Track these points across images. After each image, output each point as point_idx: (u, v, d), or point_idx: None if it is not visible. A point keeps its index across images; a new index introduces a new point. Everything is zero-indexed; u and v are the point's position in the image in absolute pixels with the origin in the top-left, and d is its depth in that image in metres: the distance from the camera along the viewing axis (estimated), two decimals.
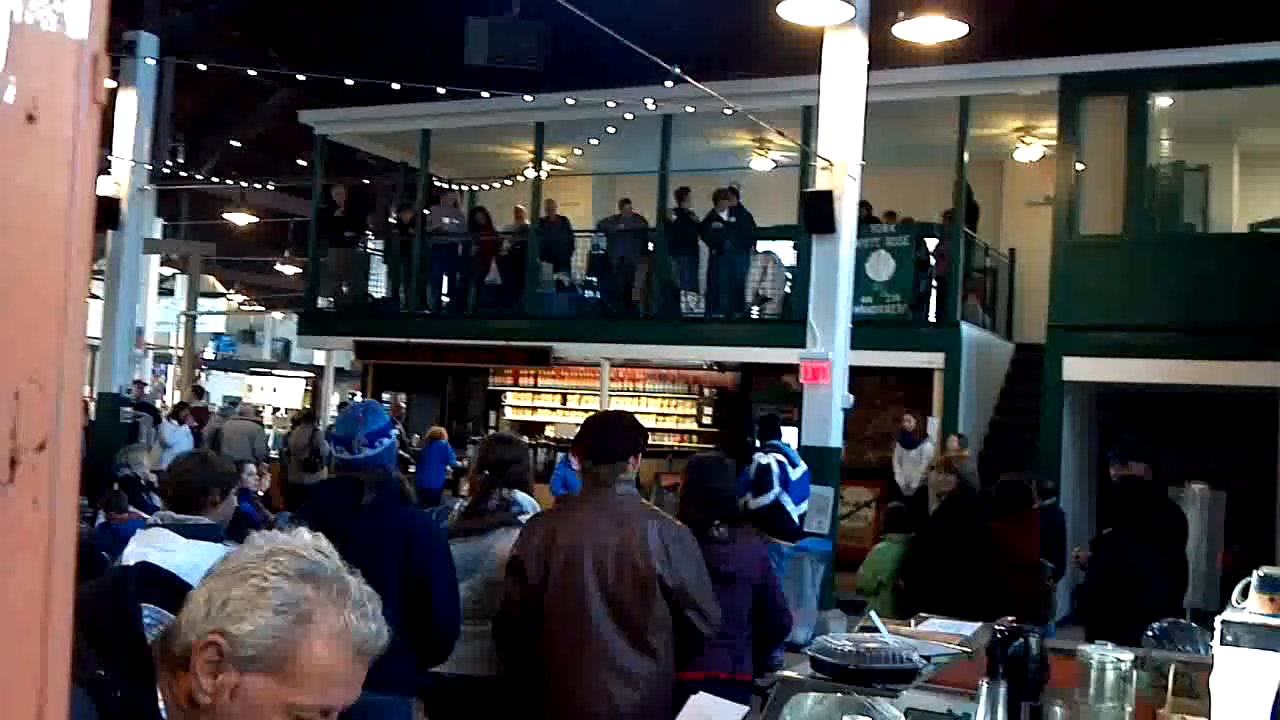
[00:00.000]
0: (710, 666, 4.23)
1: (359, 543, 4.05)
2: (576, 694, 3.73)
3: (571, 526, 3.84)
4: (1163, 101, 13.77)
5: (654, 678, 3.74)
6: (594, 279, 17.41)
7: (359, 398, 20.33)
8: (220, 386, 32.00)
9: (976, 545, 7.53)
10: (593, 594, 3.73)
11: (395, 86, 13.53)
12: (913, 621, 4.31)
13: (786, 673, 3.32)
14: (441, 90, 13.32)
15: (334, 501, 4.10)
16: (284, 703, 1.45)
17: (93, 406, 16.71)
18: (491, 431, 14.60)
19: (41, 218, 0.64)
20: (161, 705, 1.48)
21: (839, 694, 3.30)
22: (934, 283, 14.90)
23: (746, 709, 2.87)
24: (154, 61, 16.83)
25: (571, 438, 15.97)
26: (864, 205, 13.34)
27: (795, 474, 10.00)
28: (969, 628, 4.25)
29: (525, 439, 16.73)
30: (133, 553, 4.16)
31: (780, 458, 10.01)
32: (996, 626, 3.96)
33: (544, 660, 3.82)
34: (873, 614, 3.68)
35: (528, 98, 14.61)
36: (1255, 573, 3.91)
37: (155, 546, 4.09)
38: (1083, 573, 7.75)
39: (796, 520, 10.08)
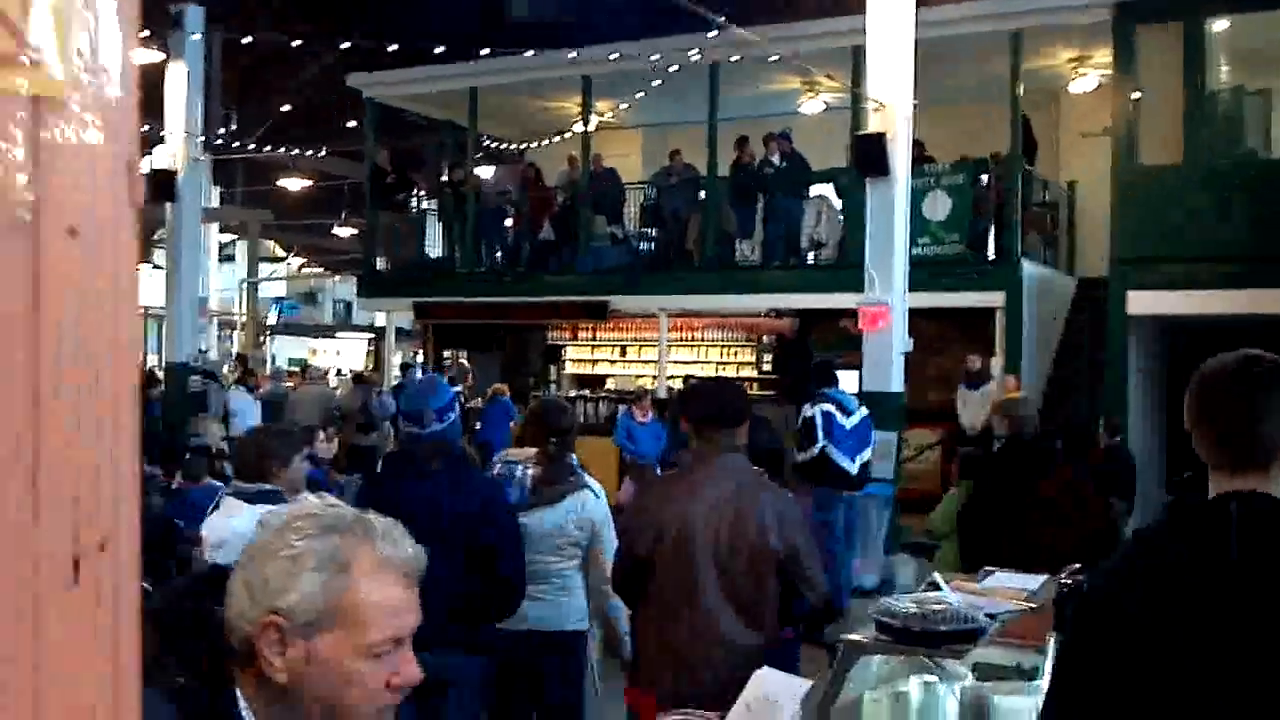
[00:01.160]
0: None
1: (430, 511, 4.24)
2: (681, 662, 3.76)
3: (683, 494, 3.82)
4: (1219, 25, 13.42)
5: (758, 650, 3.72)
6: (648, 231, 17.36)
7: (420, 358, 20.56)
8: (284, 350, 32.48)
9: (1038, 488, 7.46)
10: (705, 565, 3.72)
11: (438, 50, 13.51)
12: (979, 576, 4.32)
13: (851, 636, 3.33)
14: (485, 52, 13.27)
15: (405, 472, 4.37)
16: (360, 648, 1.49)
17: (161, 375, 17.04)
18: (543, 394, 14.65)
19: (88, 324, 0.66)
20: (242, 704, 1.52)
21: (904, 656, 3.32)
22: (992, 220, 14.68)
23: (809, 683, 2.88)
24: (199, 36, 16.93)
25: (631, 390, 16.17)
26: (917, 144, 13.16)
27: (848, 423, 9.88)
28: (1035, 581, 4.24)
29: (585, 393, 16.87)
30: (208, 523, 4.33)
31: (828, 407, 9.87)
32: (1061, 579, 3.96)
33: (649, 626, 3.86)
34: (936, 575, 3.69)
35: (572, 54, 14.54)
36: None
37: (223, 515, 4.28)
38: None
39: (851, 469, 9.95)
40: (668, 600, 3.79)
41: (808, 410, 9.98)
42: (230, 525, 4.10)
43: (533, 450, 4.72)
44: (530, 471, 4.68)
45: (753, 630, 3.76)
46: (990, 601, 3.72)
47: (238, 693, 1.51)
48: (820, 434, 9.77)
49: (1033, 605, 3.79)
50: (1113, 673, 1.93)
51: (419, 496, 4.25)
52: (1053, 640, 3.59)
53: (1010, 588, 4.06)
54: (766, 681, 2.79)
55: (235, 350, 21.79)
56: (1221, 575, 1.85)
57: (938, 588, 3.59)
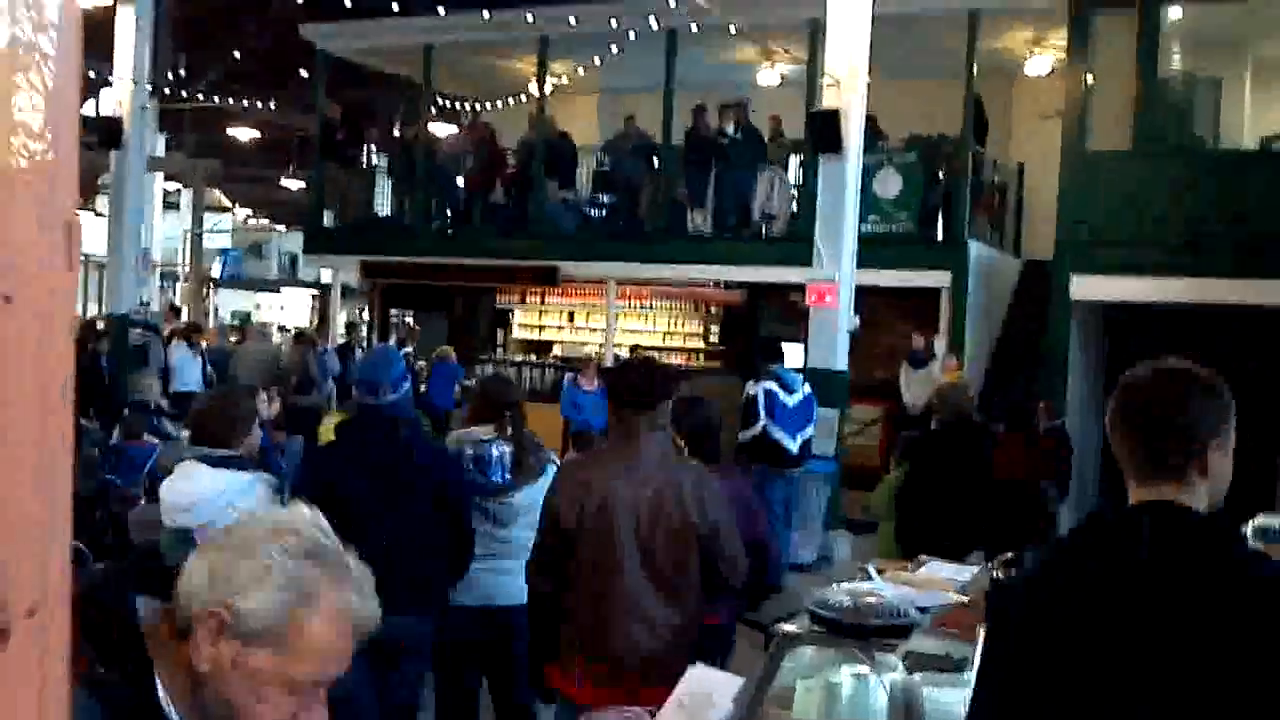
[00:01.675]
0: None
1: (393, 474, 4.37)
2: (603, 641, 3.77)
3: (605, 475, 3.83)
4: (1174, 13, 13.53)
5: (681, 628, 3.77)
6: (600, 197, 17.29)
7: (366, 316, 20.40)
8: (228, 303, 32.08)
9: (968, 472, 7.56)
10: (626, 544, 3.74)
11: (395, 5, 13.34)
12: (912, 565, 4.38)
13: (786, 627, 3.37)
14: (441, 10, 13.12)
15: (370, 438, 4.49)
16: (283, 675, 1.52)
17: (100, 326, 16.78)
18: (489, 372, 14.61)
19: (21, 393, 0.65)
20: (161, 692, 1.52)
21: (837, 647, 3.36)
22: (942, 200, 14.76)
23: (742, 679, 2.92)
24: None
25: (578, 357, 16.16)
26: (871, 120, 13.18)
27: (791, 400, 9.97)
28: (968, 571, 4.32)
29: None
30: (170, 485, 4.31)
31: (771, 386, 9.94)
32: (993, 570, 4.03)
33: (572, 606, 3.85)
34: (870, 565, 3.75)
35: (530, 14, 14.40)
36: (1250, 523, 3.93)
37: (184, 477, 4.26)
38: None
39: (792, 447, 10.03)
40: (589, 580, 3.81)
41: (750, 388, 10.05)
42: (197, 489, 4.14)
43: (490, 427, 4.74)
44: (506, 449, 4.72)
45: (675, 609, 3.78)
46: (922, 594, 3.78)
47: (157, 681, 1.51)
48: (762, 412, 9.84)
49: (964, 598, 3.85)
50: (1028, 684, 1.98)
51: (390, 459, 4.42)
52: (982, 632, 3.65)
53: (942, 577, 4.13)
54: (700, 678, 2.82)
55: (171, 301, 21.42)
56: (1131, 584, 1.90)
57: (870, 578, 3.65)
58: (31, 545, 0.66)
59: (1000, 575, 3.86)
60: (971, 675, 3.50)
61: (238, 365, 14.82)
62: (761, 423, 9.84)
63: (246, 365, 14.67)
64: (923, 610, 3.54)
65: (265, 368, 14.55)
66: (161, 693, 1.51)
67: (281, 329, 23.37)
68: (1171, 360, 2.06)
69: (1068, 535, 2.17)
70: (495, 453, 4.71)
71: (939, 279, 14.22)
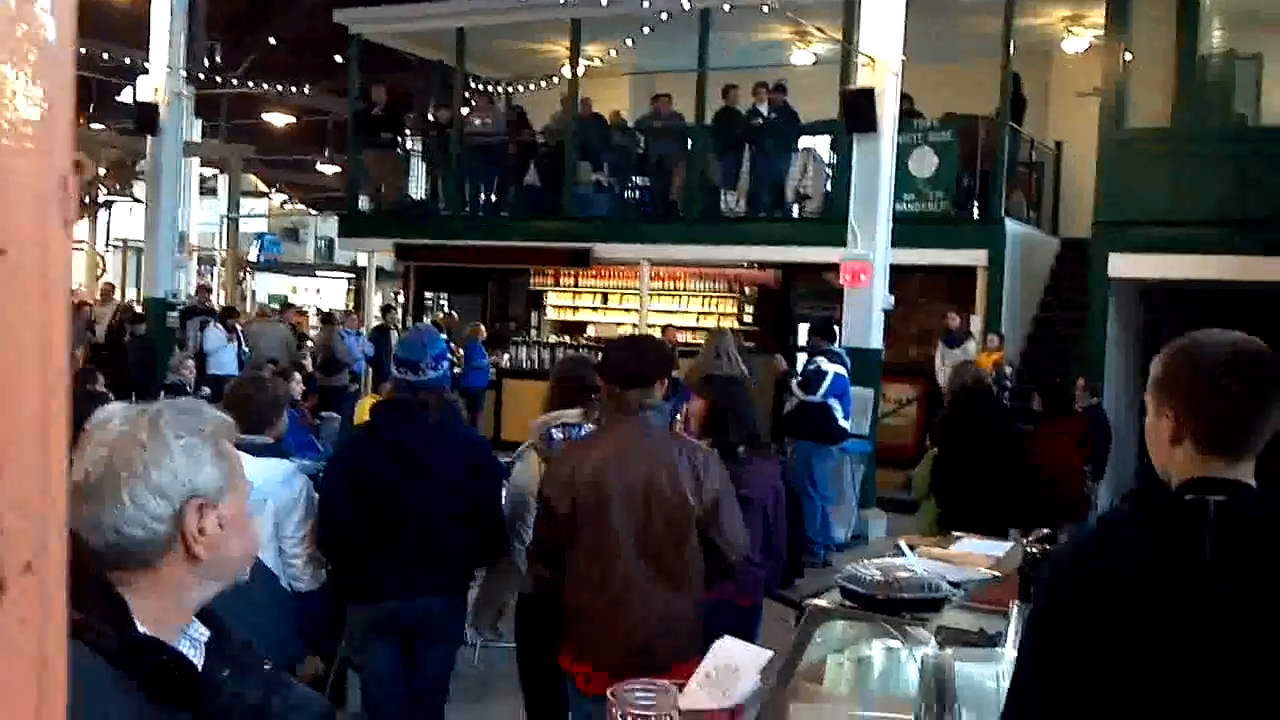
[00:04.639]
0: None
1: (428, 456, 4.36)
2: (605, 627, 3.72)
3: (598, 456, 3.76)
4: None
5: (682, 611, 3.70)
6: (633, 179, 17.26)
7: (400, 299, 20.49)
8: (265, 287, 32.29)
9: (997, 445, 7.53)
10: (622, 526, 3.68)
11: None
12: (946, 541, 4.36)
13: (817, 601, 3.36)
14: None
15: (405, 419, 4.45)
16: (241, 498, 1.72)
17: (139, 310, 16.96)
18: (570, 353, 14.52)
19: (17, 347, 0.65)
20: (140, 625, 1.56)
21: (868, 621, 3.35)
22: (978, 178, 14.64)
23: (770, 652, 2.90)
24: None
25: (613, 337, 16.17)
26: (906, 99, 13.09)
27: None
28: (1001, 547, 4.29)
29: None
30: None
31: (842, 370, 10.24)
32: (1027, 546, 4.00)
33: (573, 593, 3.80)
34: (901, 541, 3.73)
35: None
36: None
37: None
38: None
39: (846, 424, 10.35)
40: (587, 565, 3.74)
41: (824, 364, 10.23)
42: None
43: (576, 411, 4.64)
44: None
45: (674, 591, 3.71)
46: (955, 569, 3.76)
47: (135, 620, 1.56)
48: (825, 387, 10.04)
49: (998, 574, 3.83)
50: (1075, 679, 1.92)
51: (422, 442, 4.38)
52: (1016, 607, 3.63)
53: (977, 553, 4.10)
54: (727, 650, 2.81)
55: (196, 284, 21.59)
56: (1194, 573, 1.84)
57: (902, 553, 3.63)
58: (28, 501, 0.66)
59: (1035, 552, 3.84)
60: (1006, 650, 3.49)
61: (253, 343, 15.01)
62: (821, 394, 10.11)
63: (255, 347, 14.85)
64: (956, 585, 3.52)
65: (276, 349, 14.69)
66: (140, 625, 1.56)
67: (318, 311, 23.44)
68: (1237, 335, 1.99)
69: (1123, 512, 2.08)
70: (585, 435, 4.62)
71: (975, 258, 14.12)
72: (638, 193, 17.15)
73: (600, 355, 4.35)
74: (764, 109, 15.71)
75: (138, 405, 1.71)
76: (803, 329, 15.13)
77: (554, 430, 4.57)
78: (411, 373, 4.42)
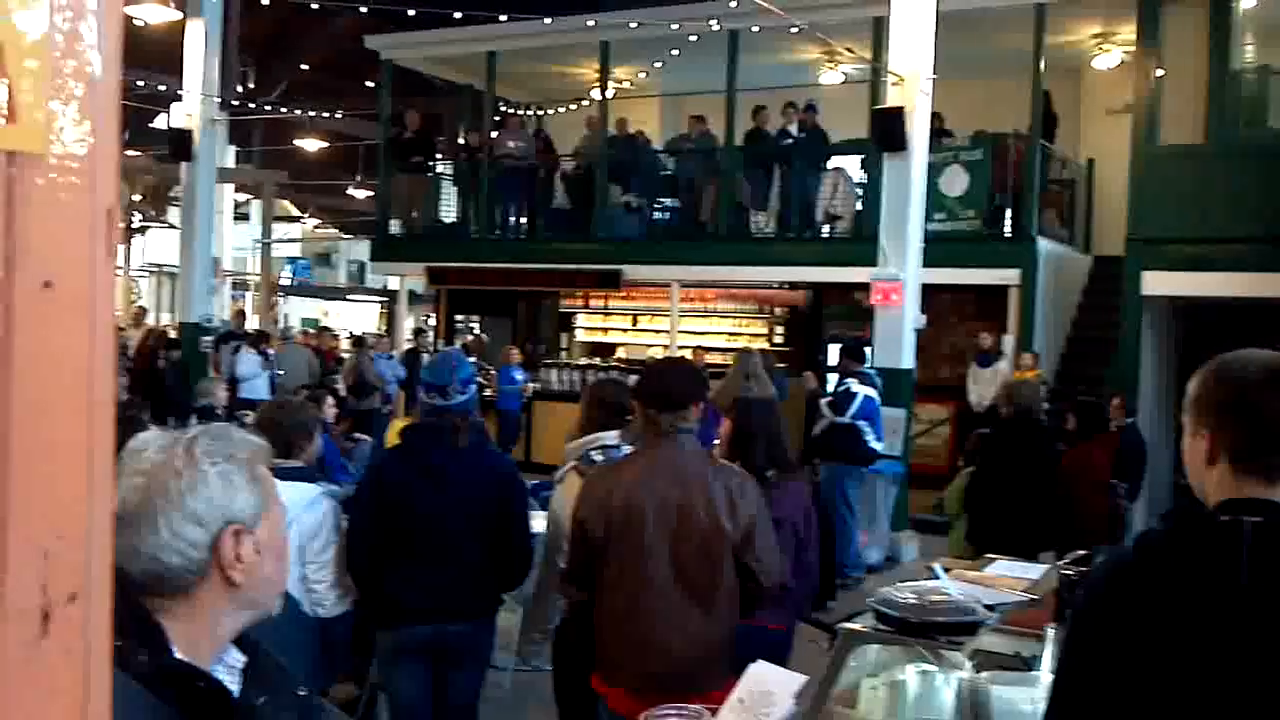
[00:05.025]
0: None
1: (456, 480, 4.34)
2: (637, 651, 3.70)
3: (632, 479, 3.74)
4: (1246, 3, 13.25)
5: (715, 635, 3.67)
6: (662, 200, 17.30)
7: (432, 322, 20.58)
8: (297, 311, 32.53)
9: (1034, 468, 7.47)
10: (655, 550, 3.66)
11: (458, 15, 13.46)
12: (980, 564, 4.32)
13: (850, 625, 3.34)
14: (503, 18, 13.21)
15: (434, 442, 4.43)
16: (276, 523, 1.73)
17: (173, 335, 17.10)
18: (602, 377, 14.47)
19: (63, 378, 0.66)
20: (176, 651, 1.57)
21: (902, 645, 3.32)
22: (1010, 197, 14.58)
23: (805, 678, 2.89)
24: None
25: (643, 359, 16.18)
26: (936, 117, 13.08)
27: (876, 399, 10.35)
28: (1036, 570, 4.25)
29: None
30: None
31: (872, 392, 10.19)
32: (1062, 569, 3.97)
33: (605, 616, 3.78)
34: (935, 564, 3.70)
35: (591, 20, 14.44)
36: None
37: None
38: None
39: (877, 446, 10.31)
40: (620, 587, 3.73)
41: (855, 386, 10.24)
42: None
43: (615, 433, 4.63)
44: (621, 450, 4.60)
45: (707, 615, 3.68)
46: (989, 592, 3.73)
47: (171, 646, 1.58)
48: (859, 410, 10.00)
49: (1033, 596, 3.80)
50: (1111, 700, 1.90)
51: (451, 465, 4.37)
52: (1051, 631, 3.60)
53: (1011, 576, 4.07)
54: (761, 675, 2.80)
55: (232, 308, 21.79)
56: (1231, 595, 1.82)
57: (936, 576, 3.60)
58: (73, 531, 0.67)
59: (1071, 574, 3.80)
60: (1042, 674, 3.46)
61: (282, 368, 15.12)
62: (850, 415, 10.11)
63: (287, 367, 14.95)
64: (990, 608, 3.50)
65: (300, 373, 14.77)
66: (176, 651, 1.57)
67: (350, 336, 23.59)
68: (1274, 354, 1.98)
69: (1159, 532, 2.06)
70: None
71: (1007, 276, 14.04)
72: (667, 214, 17.18)
73: (638, 378, 4.34)
74: (794, 129, 15.72)
75: (172, 432, 1.72)
76: (833, 350, 15.10)
77: (594, 453, 4.56)
78: (440, 396, 4.41)
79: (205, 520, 1.62)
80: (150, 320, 25.59)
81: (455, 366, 4.52)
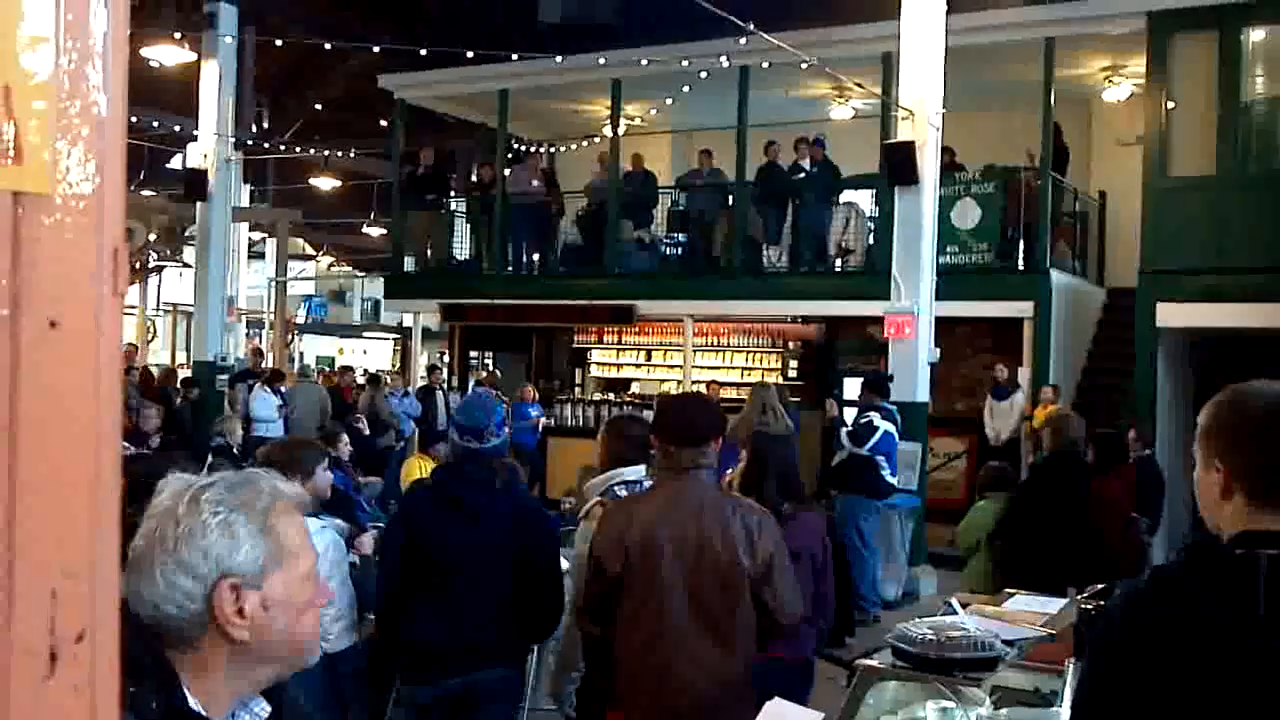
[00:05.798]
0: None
1: (490, 523, 4.27)
2: (654, 687, 3.66)
3: (650, 515, 3.72)
4: (1256, 35, 13.27)
5: (732, 671, 3.64)
6: (675, 235, 17.35)
7: (446, 358, 20.61)
8: (312, 349, 32.63)
9: (1074, 503, 7.42)
10: (672, 585, 3.63)
11: (470, 55, 13.56)
12: (999, 599, 4.29)
13: (868, 661, 3.31)
14: (515, 57, 13.31)
15: (469, 486, 4.33)
16: (296, 578, 1.64)
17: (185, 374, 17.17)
18: (617, 413, 14.37)
19: (68, 416, 0.66)
20: (192, 702, 1.55)
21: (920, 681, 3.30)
22: (1022, 229, 14.58)
23: (822, 715, 2.86)
24: (232, 40, 17.04)
25: (657, 393, 16.18)
26: (947, 151, 13.11)
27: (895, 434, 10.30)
28: (1055, 604, 4.22)
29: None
30: None
31: (892, 428, 10.14)
32: (1082, 604, 3.93)
33: (622, 651, 3.75)
34: (953, 599, 3.67)
35: (602, 58, 14.52)
36: None
37: None
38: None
39: (893, 481, 10.28)
40: (637, 622, 3.70)
41: (876, 419, 10.19)
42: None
43: (638, 469, 4.55)
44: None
45: (725, 652, 3.65)
46: (1008, 627, 3.70)
47: (185, 690, 1.55)
48: (874, 441, 9.98)
49: (1051, 631, 3.76)
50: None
51: (487, 510, 4.28)
52: (1071, 666, 3.56)
53: (1031, 610, 4.04)
54: (778, 712, 2.77)
55: (249, 347, 21.87)
56: (1247, 635, 1.80)
57: (953, 611, 3.57)
58: (80, 570, 0.66)
59: (1090, 608, 3.77)
60: (1061, 710, 3.42)
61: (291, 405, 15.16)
62: (868, 448, 10.08)
63: (299, 408, 14.97)
64: (1009, 644, 3.47)
65: (313, 411, 14.79)
66: (193, 702, 1.55)
67: (364, 372, 23.65)
68: None
69: (1176, 565, 2.04)
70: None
71: (1021, 309, 14.02)
72: (680, 249, 17.23)
73: (654, 412, 4.32)
74: (805, 164, 15.77)
75: (196, 478, 1.67)
76: (849, 384, 15.08)
77: (617, 488, 4.49)
78: (475, 440, 4.32)
79: (198, 572, 1.56)
80: (165, 359, 25.69)
81: (491, 409, 4.45)
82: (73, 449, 0.66)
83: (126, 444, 11.06)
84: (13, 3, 0.64)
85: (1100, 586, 4.13)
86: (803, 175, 15.80)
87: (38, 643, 0.64)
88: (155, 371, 18.91)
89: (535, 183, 17.64)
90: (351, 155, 22.26)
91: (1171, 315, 12.84)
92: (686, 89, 15.10)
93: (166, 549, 1.56)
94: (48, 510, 0.65)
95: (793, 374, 17.72)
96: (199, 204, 17.32)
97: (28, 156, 0.63)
